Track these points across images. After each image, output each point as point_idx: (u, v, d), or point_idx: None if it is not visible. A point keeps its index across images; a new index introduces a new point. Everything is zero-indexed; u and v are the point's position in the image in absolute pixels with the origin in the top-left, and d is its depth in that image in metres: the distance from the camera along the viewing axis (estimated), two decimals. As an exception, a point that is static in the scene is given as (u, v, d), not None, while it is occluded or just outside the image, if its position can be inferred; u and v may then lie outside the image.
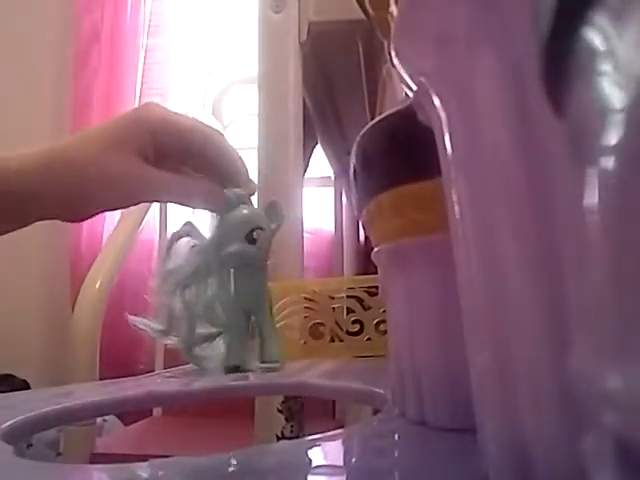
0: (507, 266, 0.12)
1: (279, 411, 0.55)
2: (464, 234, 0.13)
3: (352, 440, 0.21)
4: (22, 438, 0.25)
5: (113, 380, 0.40)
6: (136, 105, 1.61)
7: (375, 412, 0.30)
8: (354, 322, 0.52)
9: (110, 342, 1.11)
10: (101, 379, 0.85)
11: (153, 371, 0.78)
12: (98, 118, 1.64)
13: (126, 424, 1.23)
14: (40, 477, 0.18)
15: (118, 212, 1.44)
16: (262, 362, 0.41)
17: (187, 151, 0.40)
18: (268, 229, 0.42)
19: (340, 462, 0.19)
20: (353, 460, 0.18)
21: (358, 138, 0.23)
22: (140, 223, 1.12)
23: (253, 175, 0.55)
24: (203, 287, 0.42)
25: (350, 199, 1.20)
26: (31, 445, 1.03)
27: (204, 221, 0.43)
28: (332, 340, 0.52)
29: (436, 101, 0.14)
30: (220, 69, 1.68)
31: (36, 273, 1.67)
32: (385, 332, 0.48)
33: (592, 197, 0.07)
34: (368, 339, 0.51)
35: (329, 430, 0.21)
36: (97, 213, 0.40)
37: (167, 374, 0.44)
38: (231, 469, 0.17)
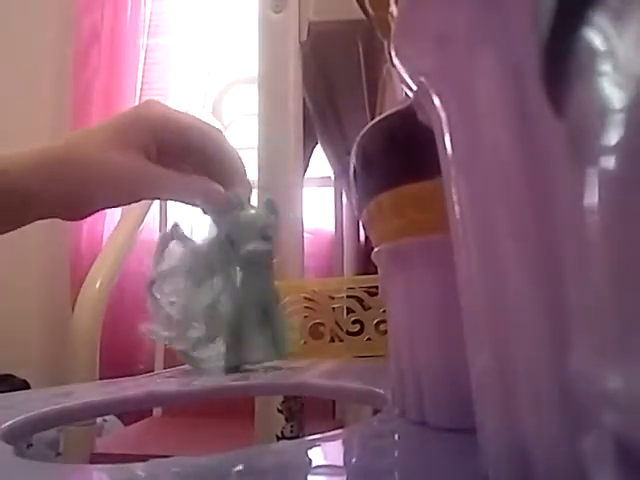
0: (507, 266, 0.12)
1: (279, 411, 0.55)
2: (464, 234, 0.13)
3: (352, 440, 0.21)
4: (22, 438, 0.25)
5: (113, 380, 0.40)
6: (136, 105, 1.60)
7: (375, 412, 0.30)
8: (354, 322, 0.52)
9: (110, 342, 1.11)
10: (101, 379, 0.85)
11: (153, 371, 0.78)
12: (98, 118, 1.64)
13: (126, 424, 1.23)
14: (40, 477, 0.18)
15: (118, 212, 1.44)
16: (276, 351, 0.42)
17: (187, 149, 0.40)
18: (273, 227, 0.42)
19: (340, 462, 0.19)
20: (353, 460, 0.18)
21: (358, 138, 0.23)
22: (140, 223, 1.12)
23: (253, 175, 0.55)
24: (206, 287, 0.42)
25: (350, 199, 1.20)
26: (31, 445, 1.03)
27: (203, 221, 0.43)
28: (332, 340, 0.52)
29: (436, 101, 0.14)
30: (220, 69, 1.68)
31: (36, 273, 1.67)
32: (385, 332, 0.48)
33: (592, 197, 0.07)
34: (368, 339, 0.51)
35: (329, 430, 0.21)
36: (97, 211, 0.40)
37: (167, 374, 0.44)
38: (231, 469, 0.17)
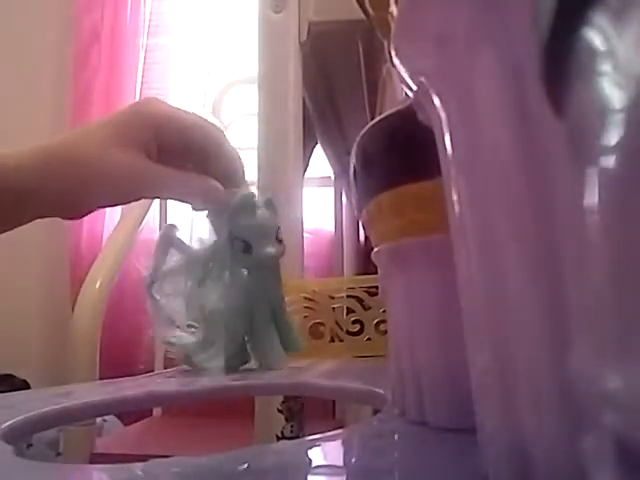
0: (507, 266, 0.12)
1: (279, 411, 0.55)
2: (464, 234, 0.13)
3: (352, 440, 0.21)
4: (22, 438, 0.25)
5: (113, 380, 0.40)
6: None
7: (375, 412, 0.30)
8: (354, 322, 0.52)
9: (110, 342, 1.11)
10: (101, 379, 0.85)
11: (153, 371, 0.78)
12: (98, 118, 1.63)
13: (126, 424, 1.23)
14: (40, 477, 0.18)
15: (118, 212, 1.44)
16: (286, 351, 0.42)
17: (187, 147, 0.40)
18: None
19: (340, 462, 0.19)
20: (353, 460, 0.18)
21: (358, 138, 0.23)
22: (140, 223, 1.12)
23: (253, 175, 0.55)
24: (207, 289, 0.42)
25: (350, 199, 1.20)
26: (31, 445, 1.03)
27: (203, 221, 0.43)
28: (332, 340, 0.52)
29: (436, 101, 0.14)
30: (220, 69, 1.67)
31: (36, 273, 1.67)
32: (385, 332, 0.48)
33: (592, 197, 0.07)
34: (368, 339, 0.51)
35: (329, 430, 0.21)
36: (96, 209, 0.40)
37: (167, 374, 0.44)
38: (231, 469, 0.17)
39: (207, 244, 0.42)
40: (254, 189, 0.44)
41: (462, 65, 0.12)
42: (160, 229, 1.32)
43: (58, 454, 1.04)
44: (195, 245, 0.42)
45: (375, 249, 0.23)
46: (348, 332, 0.52)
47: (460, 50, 0.12)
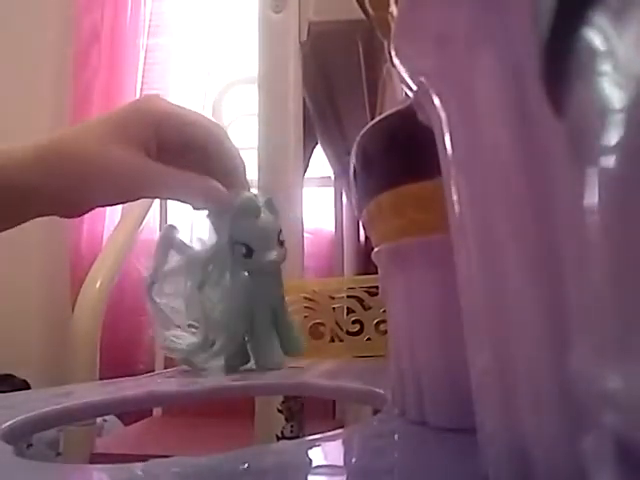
0: (507, 266, 0.12)
1: (279, 411, 0.55)
2: (464, 234, 0.13)
3: (352, 440, 0.21)
4: (22, 438, 0.25)
5: (113, 380, 0.40)
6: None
7: (375, 412, 0.30)
8: (354, 322, 0.52)
9: (110, 342, 1.12)
10: (101, 379, 0.85)
11: (153, 371, 0.78)
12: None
13: (126, 424, 1.23)
14: (40, 477, 0.18)
15: (118, 212, 1.45)
16: (286, 353, 0.42)
17: (188, 145, 0.39)
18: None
19: (340, 462, 0.19)
20: (353, 460, 0.18)
21: (358, 138, 0.23)
22: (140, 223, 1.12)
23: (253, 175, 0.55)
24: (207, 291, 0.41)
25: (350, 199, 1.20)
26: (31, 445, 1.03)
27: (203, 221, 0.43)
28: (332, 340, 0.52)
29: (436, 101, 0.14)
30: (220, 69, 1.68)
31: (36, 273, 1.67)
32: (385, 332, 0.48)
33: (592, 197, 0.07)
34: (368, 339, 0.51)
35: (329, 430, 0.21)
36: (94, 207, 0.40)
37: (167, 374, 0.44)
38: (231, 469, 0.17)
39: (208, 245, 0.41)
40: (254, 189, 0.44)
41: (462, 65, 0.12)
42: (160, 229, 1.32)
43: (58, 454, 1.04)
44: (196, 246, 0.42)
45: (375, 249, 0.23)
46: (348, 332, 0.52)
47: (460, 50, 0.12)
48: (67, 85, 1.73)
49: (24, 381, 1.48)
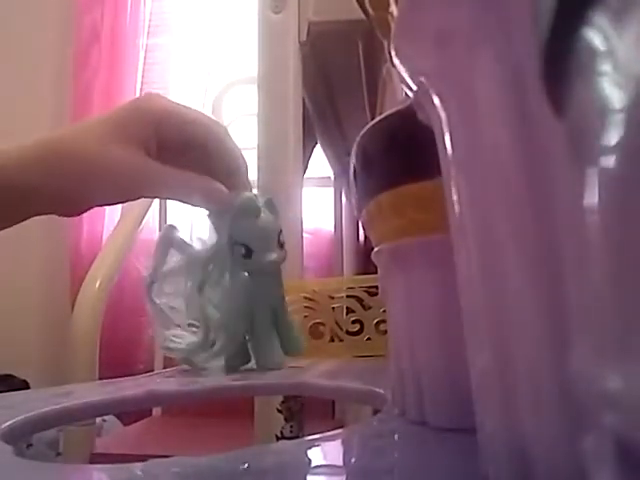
0: (507, 266, 0.12)
1: (279, 411, 0.55)
2: (464, 234, 0.13)
3: (352, 440, 0.21)
4: (22, 438, 0.25)
5: (112, 380, 0.40)
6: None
7: (375, 412, 0.30)
8: (354, 322, 0.52)
9: (110, 342, 1.12)
10: (101, 379, 0.85)
11: (153, 371, 0.78)
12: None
13: (125, 424, 1.23)
14: (40, 477, 0.18)
15: (118, 212, 1.45)
16: (286, 353, 0.42)
17: (188, 143, 0.39)
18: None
19: (340, 462, 0.19)
20: (353, 460, 0.18)
21: (358, 138, 0.23)
22: (140, 222, 1.12)
23: (253, 175, 0.55)
24: (207, 291, 0.41)
25: (350, 199, 1.20)
26: (31, 445, 1.03)
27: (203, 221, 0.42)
28: (332, 340, 0.52)
29: (436, 101, 0.14)
30: (220, 69, 1.68)
31: (36, 273, 1.67)
32: (385, 332, 0.48)
33: (592, 197, 0.07)
34: (368, 339, 0.51)
35: (329, 430, 0.21)
36: (93, 206, 0.39)
37: (167, 374, 0.44)
38: (231, 469, 0.17)
39: (208, 245, 0.41)
40: (254, 189, 0.44)
41: (462, 65, 0.12)
42: (160, 229, 1.32)
43: (58, 454, 1.04)
44: (196, 245, 0.42)
45: (375, 249, 0.23)
46: (348, 332, 0.52)
47: (460, 50, 0.12)
48: (67, 85, 1.73)
49: (24, 381, 1.48)
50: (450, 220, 0.14)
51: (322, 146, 1.04)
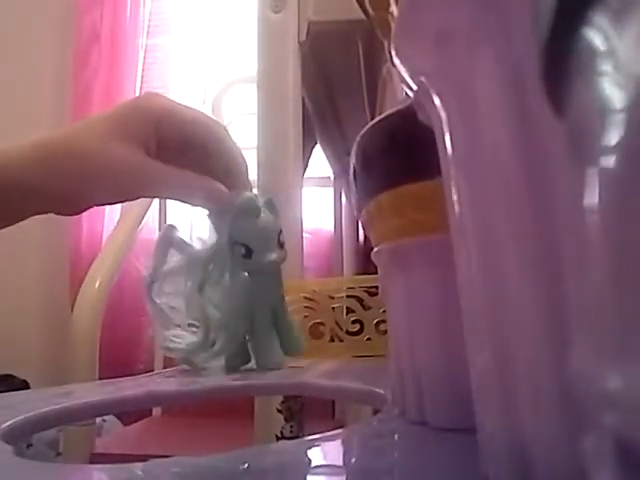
0: (507, 266, 0.12)
1: (279, 411, 0.55)
2: (464, 234, 0.13)
3: (352, 440, 0.21)
4: (22, 438, 0.25)
5: (112, 380, 0.40)
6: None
7: (375, 412, 0.30)
8: (354, 322, 0.52)
9: (110, 342, 1.12)
10: (101, 379, 0.85)
11: (153, 371, 0.78)
12: (98, 118, 1.64)
13: (125, 424, 1.23)
14: (40, 477, 0.18)
15: (118, 211, 1.44)
16: (286, 353, 0.42)
17: (188, 143, 0.39)
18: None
19: (340, 462, 0.19)
20: (353, 460, 0.18)
21: (358, 138, 0.23)
22: (140, 222, 1.12)
23: (253, 175, 0.55)
24: (207, 291, 0.41)
25: (350, 199, 1.20)
26: (31, 445, 1.03)
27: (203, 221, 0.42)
28: (332, 340, 0.52)
29: (436, 101, 0.14)
30: (220, 69, 1.68)
31: (35, 273, 1.67)
32: (385, 332, 0.48)
33: (592, 197, 0.07)
34: (368, 339, 0.51)
35: (329, 430, 0.21)
36: (93, 206, 0.39)
37: (167, 374, 0.44)
38: (231, 469, 0.17)
39: (208, 244, 0.41)
40: (255, 189, 0.43)
41: (462, 65, 0.12)
42: (160, 229, 1.32)
43: (58, 454, 1.04)
44: (196, 245, 0.42)
45: (375, 249, 0.23)
46: (348, 332, 0.52)
47: (460, 50, 0.12)
48: (67, 85, 1.73)
49: (24, 381, 1.48)
50: (450, 220, 0.14)
51: (322, 146, 1.04)
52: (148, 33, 1.73)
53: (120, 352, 1.41)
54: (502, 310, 0.12)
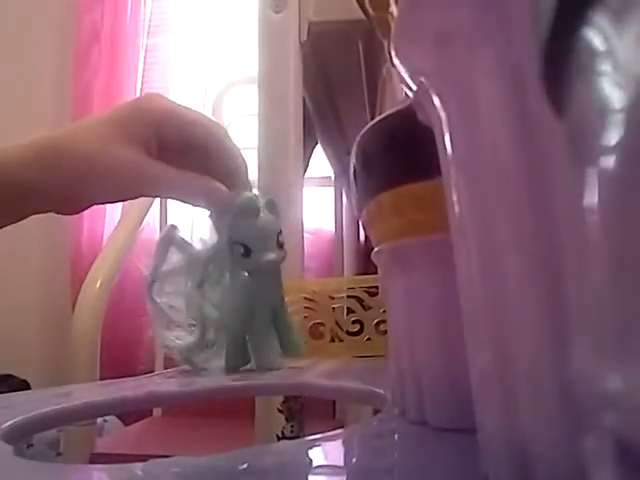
0: (507, 266, 0.12)
1: (279, 411, 0.55)
2: (464, 234, 0.13)
3: (352, 440, 0.21)
4: (22, 438, 0.25)
5: (113, 380, 0.40)
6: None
7: (375, 412, 0.30)
8: (354, 322, 0.52)
9: (110, 342, 1.12)
10: (101, 379, 0.85)
11: (153, 371, 0.78)
12: (98, 118, 1.64)
13: (126, 424, 1.23)
14: (40, 477, 0.18)
15: (119, 211, 1.45)
16: (284, 354, 0.42)
17: (188, 144, 0.39)
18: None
19: (340, 462, 0.19)
20: (353, 460, 0.18)
21: (358, 138, 0.23)
22: (141, 222, 1.12)
23: (253, 175, 0.55)
24: (207, 291, 0.41)
25: (350, 199, 1.20)
26: (31, 445, 1.03)
27: (203, 220, 0.43)
28: (332, 340, 0.52)
29: (436, 101, 0.14)
30: (220, 69, 1.68)
31: (36, 272, 1.67)
32: (385, 332, 0.48)
33: (592, 197, 0.07)
34: (368, 339, 0.51)
35: (329, 430, 0.21)
36: (92, 205, 0.39)
37: (167, 374, 0.44)
38: (231, 469, 0.17)
39: (209, 244, 0.41)
40: (255, 189, 0.44)
41: (462, 65, 0.12)
42: (161, 229, 1.32)
43: (58, 454, 1.04)
44: (197, 245, 0.42)
45: (375, 249, 0.23)
46: (348, 332, 0.52)
47: (460, 50, 0.12)
48: (67, 85, 1.73)
49: (24, 381, 1.48)
50: (450, 220, 0.14)
51: (322, 146, 1.04)
52: (148, 33, 1.73)
53: (121, 352, 1.41)
54: (502, 310, 0.12)
